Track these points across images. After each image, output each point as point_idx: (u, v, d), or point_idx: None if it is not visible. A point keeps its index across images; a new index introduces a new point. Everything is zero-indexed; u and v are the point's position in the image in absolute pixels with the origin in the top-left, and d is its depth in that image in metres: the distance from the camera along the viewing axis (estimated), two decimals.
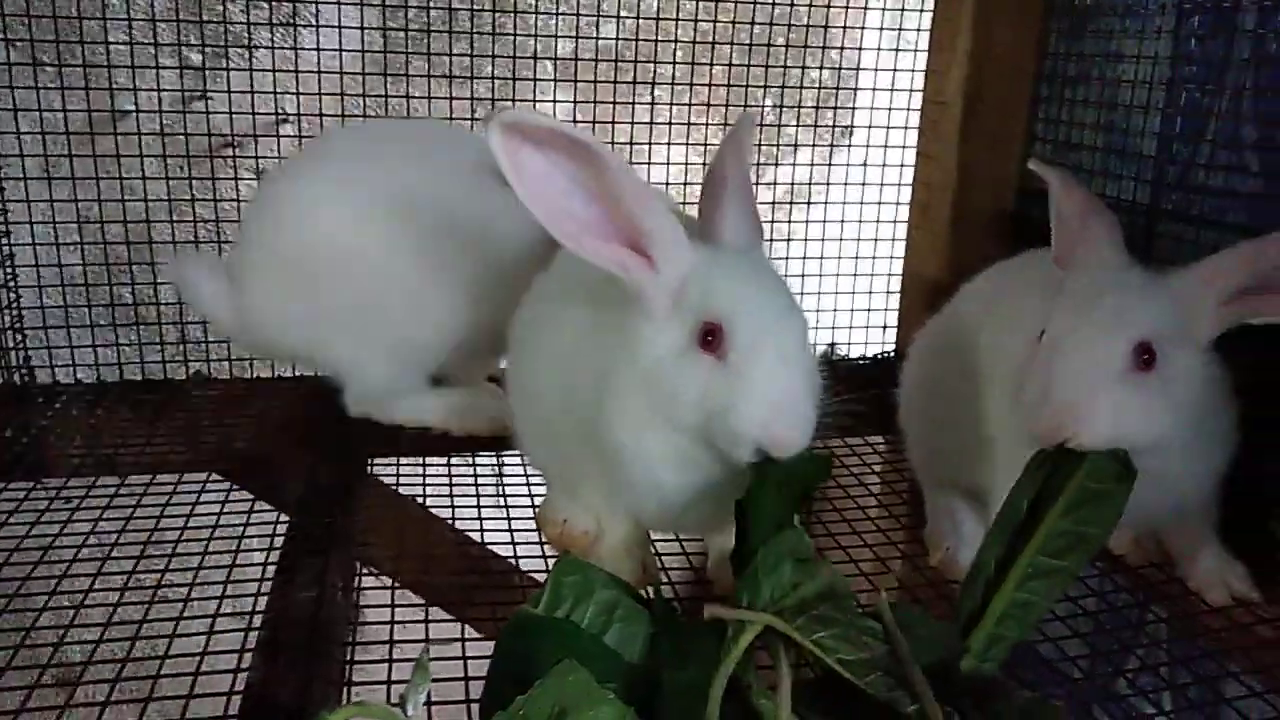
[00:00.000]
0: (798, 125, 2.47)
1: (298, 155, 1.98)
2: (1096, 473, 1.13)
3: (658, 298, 1.15)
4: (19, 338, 2.07)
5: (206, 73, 2.29)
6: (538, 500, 1.59)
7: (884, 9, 2.37)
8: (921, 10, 2.30)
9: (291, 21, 2.30)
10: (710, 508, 1.22)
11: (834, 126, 2.52)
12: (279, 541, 1.48)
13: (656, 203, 1.12)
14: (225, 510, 1.57)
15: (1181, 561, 1.44)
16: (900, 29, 2.36)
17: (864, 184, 2.43)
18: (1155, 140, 1.78)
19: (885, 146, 2.42)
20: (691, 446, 1.17)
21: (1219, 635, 1.33)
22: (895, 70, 2.37)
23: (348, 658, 1.24)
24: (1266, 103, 1.55)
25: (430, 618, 1.31)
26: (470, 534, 1.64)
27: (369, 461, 1.80)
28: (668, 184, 2.39)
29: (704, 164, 2.45)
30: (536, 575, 1.48)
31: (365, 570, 1.56)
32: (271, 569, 1.40)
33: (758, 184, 2.61)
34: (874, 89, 2.40)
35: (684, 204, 2.37)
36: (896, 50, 2.39)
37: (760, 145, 2.41)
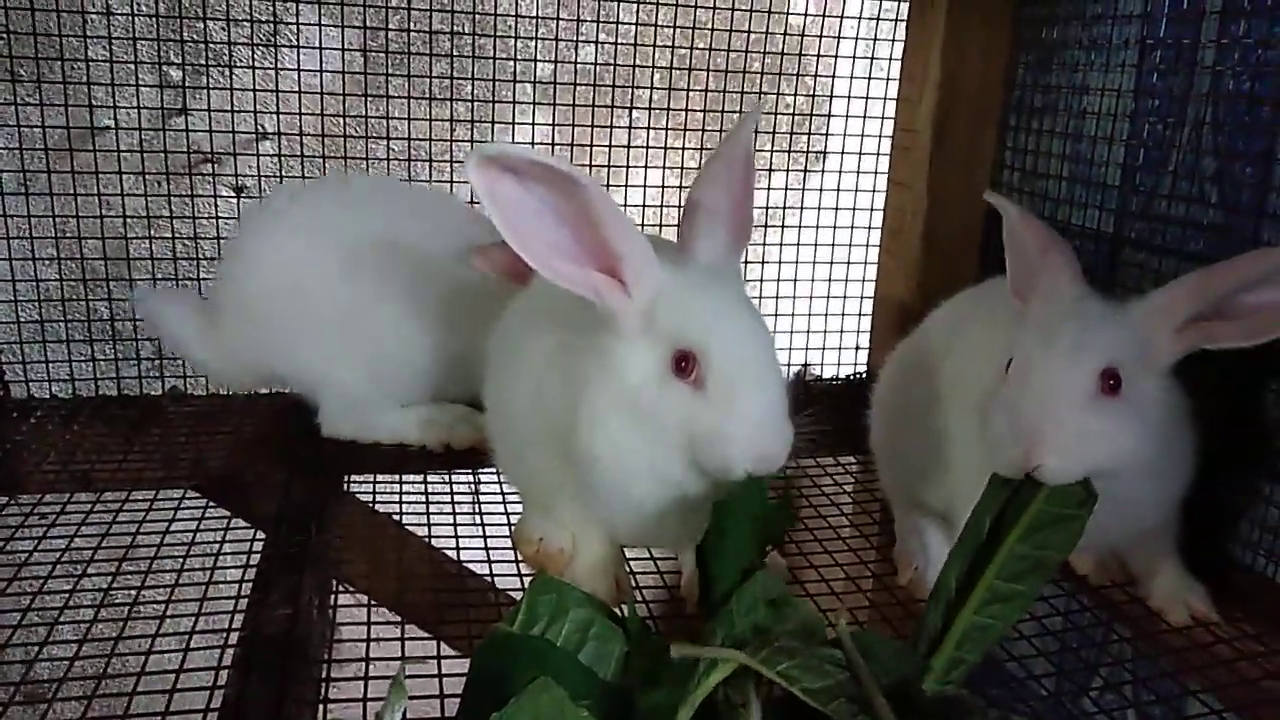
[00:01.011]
0: (772, 150, 2.51)
1: (274, 199, 2.01)
2: (1057, 497, 1.16)
3: (629, 319, 1.18)
4: None
5: (186, 89, 2.31)
6: (514, 517, 1.61)
7: (857, 38, 2.41)
8: (894, 40, 2.35)
9: (272, 41, 2.31)
10: (685, 522, 1.24)
11: (808, 151, 2.56)
12: (255, 559, 1.48)
13: (629, 226, 1.14)
14: (201, 527, 1.58)
15: (1143, 582, 1.47)
16: (873, 58, 2.40)
17: (836, 208, 2.47)
18: (1119, 170, 1.82)
19: (857, 172, 2.45)
20: (666, 462, 1.19)
21: (1180, 654, 1.36)
22: (867, 98, 2.42)
23: (323, 675, 1.25)
24: (1225, 136, 1.60)
25: (406, 635, 1.31)
26: (446, 551, 1.65)
27: (345, 478, 1.81)
28: (645, 206, 2.41)
29: (680, 186, 2.47)
30: (512, 593, 1.49)
31: (341, 588, 1.56)
32: (247, 586, 1.40)
33: None
34: (846, 116, 2.44)
35: (660, 227, 2.40)
36: (869, 78, 2.43)
37: None
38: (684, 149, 2.50)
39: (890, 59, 2.35)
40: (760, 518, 1.17)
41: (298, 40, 2.25)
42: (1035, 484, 1.17)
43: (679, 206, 2.46)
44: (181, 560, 1.46)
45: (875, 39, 2.39)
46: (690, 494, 1.21)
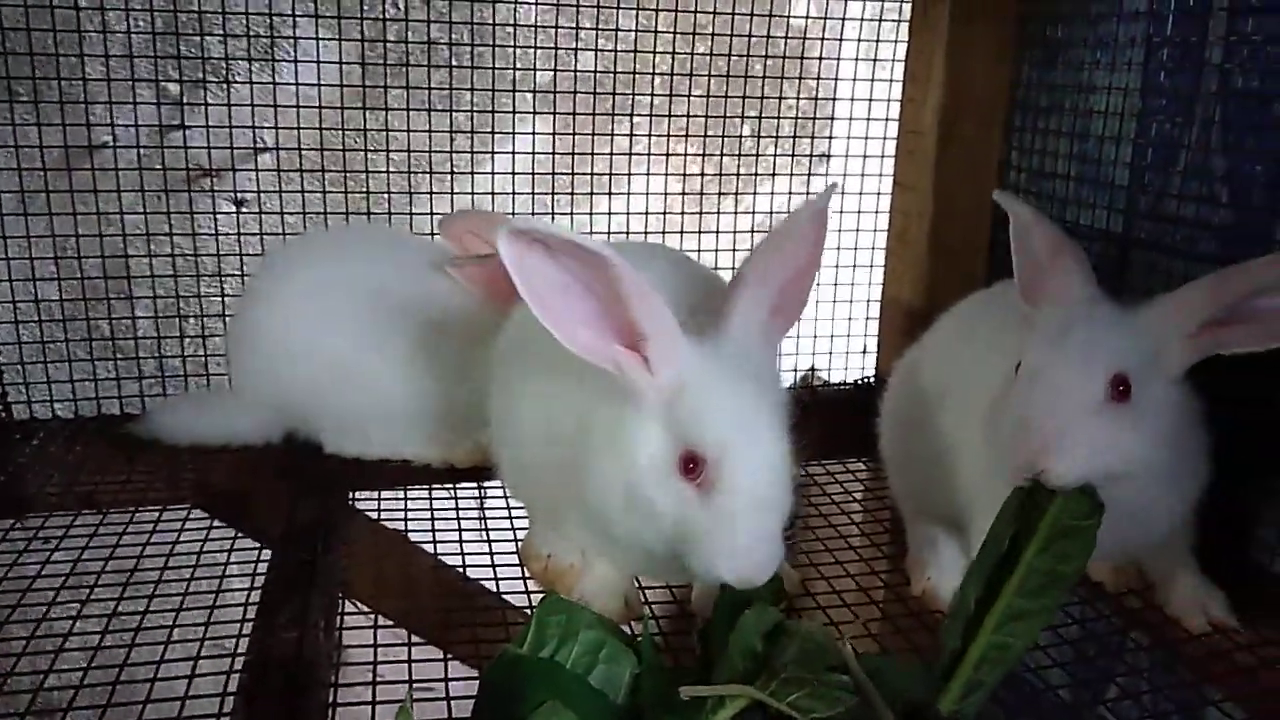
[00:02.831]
0: (775, 153, 2.49)
1: (277, 257, 2.08)
2: (1069, 508, 1.14)
3: (648, 396, 1.15)
4: None
5: (184, 105, 2.29)
6: (520, 532, 1.59)
7: (859, 39, 2.39)
8: (897, 41, 2.33)
9: (270, 54, 2.30)
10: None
11: (811, 155, 2.54)
12: (260, 577, 1.47)
13: (656, 303, 1.11)
14: (206, 546, 1.56)
15: (1160, 589, 1.45)
16: (875, 59, 2.38)
17: (841, 211, 2.45)
18: (1127, 170, 1.80)
19: (862, 175, 2.44)
20: (658, 543, 1.18)
21: (1199, 662, 1.34)
22: (871, 100, 2.40)
23: (331, 698, 1.24)
24: (1235, 135, 1.58)
25: (413, 656, 1.30)
26: (453, 566, 1.64)
27: (350, 495, 1.80)
28: (647, 214, 2.40)
29: (682, 194, 2.46)
30: (520, 607, 1.48)
31: (348, 605, 1.55)
32: (254, 604, 1.39)
33: (736, 213, 2.62)
34: (850, 118, 2.43)
35: (648, 234, 2.39)
36: (872, 80, 2.42)
37: (738, 174, 2.43)
38: (685, 155, 2.48)
39: (893, 60, 2.33)
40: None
41: (295, 53, 2.24)
42: (1048, 495, 1.15)
43: (681, 213, 2.45)
44: (188, 580, 1.45)
45: (878, 40, 2.37)
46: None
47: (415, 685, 1.19)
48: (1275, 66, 1.51)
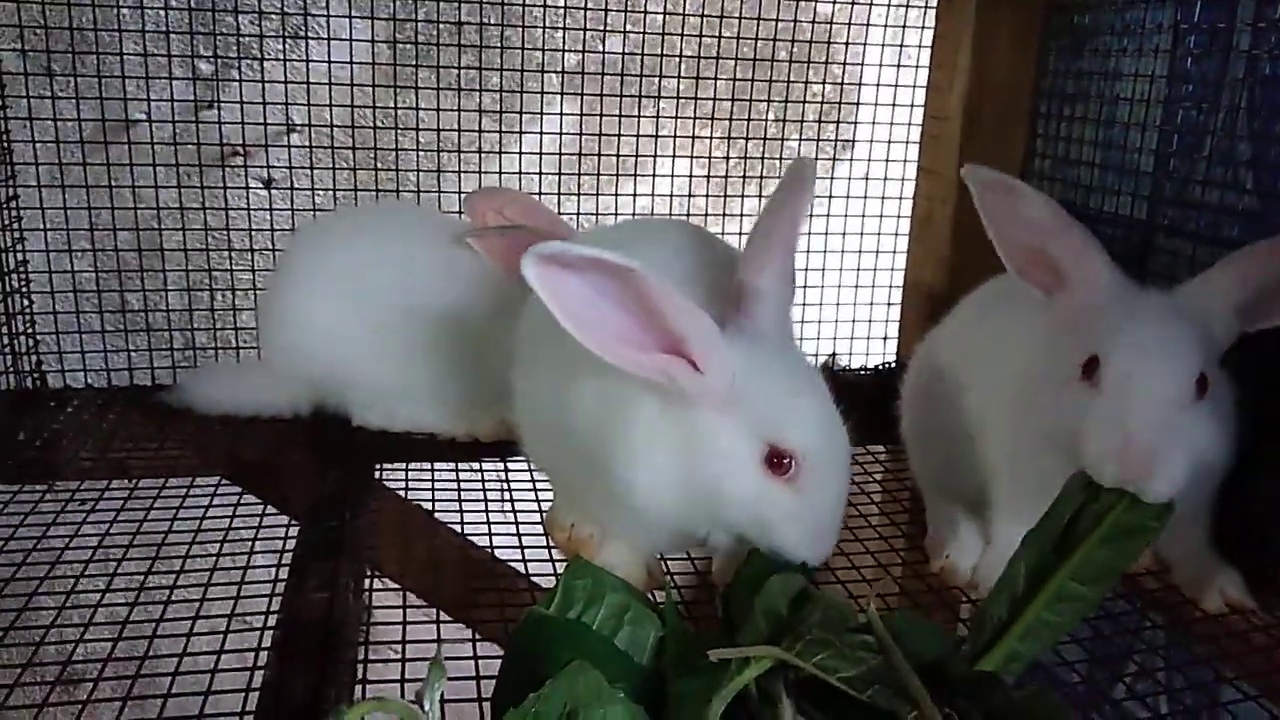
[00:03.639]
0: (800, 139, 2.50)
1: (307, 233, 2.11)
2: (1141, 509, 1.15)
3: (708, 397, 1.17)
4: (31, 343, 2.10)
5: (217, 82, 2.33)
6: (545, 505, 1.62)
7: (885, 25, 2.40)
8: (923, 27, 2.34)
9: (301, 33, 2.33)
10: (722, 541, 1.27)
11: (836, 140, 2.55)
12: (289, 546, 1.50)
13: (689, 306, 1.13)
14: (236, 516, 1.59)
15: (1176, 568, 1.46)
16: (902, 45, 2.39)
17: (865, 197, 2.46)
18: (1152, 157, 1.80)
19: (886, 160, 2.44)
20: (709, 526, 1.24)
21: (1214, 641, 1.35)
22: (896, 85, 2.41)
23: (360, 658, 1.26)
24: (1260, 121, 1.58)
25: (441, 619, 1.32)
26: (478, 539, 1.66)
27: (377, 468, 1.82)
28: (672, 196, 2.41)
29: (708, 176, 2.47)
30: (543, 580, 1.50)
31: (374, 575, 1.58)
32: (282, 573, 1.42)
33: (760, 196, 2.64)
34: (875, 104, 2.44)
35: (686, 214, 2.40)
36: (898, 66, 2.43)
37: (762, 158, 2.44)
38: (712, 137, 2.49)
39: (919, 46, 2.34)
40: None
41: (327, 31, 2.26)
42: (1122, 492, 1.16)
43: (706, 196, 2.47)
44: (218, 548, 1.48)
45: (904, 26, 2.38)
46: (708, 542, 1.28)
47: (446, 652, 1.21)
48: None
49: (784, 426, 1.18)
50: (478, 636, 1.28)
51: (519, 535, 1.55)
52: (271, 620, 1.28)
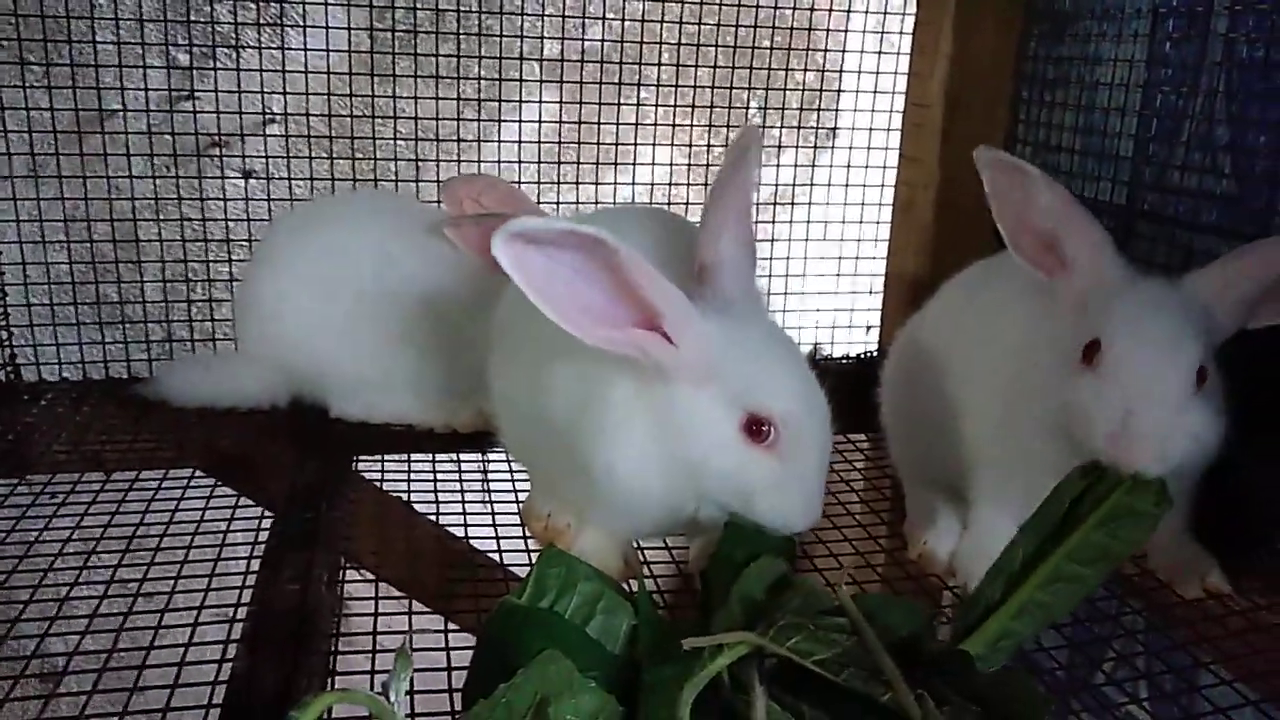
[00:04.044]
0: (782, 126, 2.49)
1: (283, 222, 2.07)
2: (1139, 493, 1.15)
3: (683, 370, 1.16)
4: (5, 335, 2.08)
5: (194, 73, 2.30)
6: (522, 495, 1.61)
7: (867, 12, 2.39)
8: (904, 14, 2.33)
9: (279, 22, 2.31)
10: (689, 524, 1.26)
11: (818, 128, 2.54)
12: (263, 537, 1.49)
13: (662, 280, 1.12)
14: (210, 507, 1.58)
15: (1155, 555, 1.46)
16: (883, 32, 2.38)
17: (848, 185, 2.45)
18: (1132, 142, 1.80)
19: (869, 148, 2.44)
20: (696, 504, 1.22)
21: (1192, 626, 1.35)
22: (878, 73, 2.40)
23: (334, 649, 1.25)
24: (1239, 105, 1.58)
25: (414, 616, 1.31)
26: (455, 530, 1.65)
27: (354, 459, 1.81)
28: (652, 185, 2.40)
29: (689, 165, 2.46)
30: (520, 571, 1.49)
31: (349, 566, 1.57)
32: (256, 564, 1.40)
33: None
34: (857, 91, 2.43)
35: (668, 203, 2.39)
36: (879, 53, 2.41)
37: None
38: (692, 125, 2.48)
39: (901, 33, 2.33)
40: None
41: (304, 20, 2.24)
42: (1119, 475, 1.16)
43: (688, 185, 2.46)
44: (190, 539, 1.46)
45: (885, 12, 2.37)
46: (697, 519, 1.25)
47: (417, 643, 1.20)
48: (1279, 35, 1.51)
49: (761, 394, 1.17)
50: (451, 627, 1.27)
51: (495, 525, 1.54)
52: (243, 612, 1.27)
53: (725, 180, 1.25)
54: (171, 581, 1.34)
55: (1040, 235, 1.34)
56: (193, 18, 2.20)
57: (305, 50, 2.20)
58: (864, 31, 2.46)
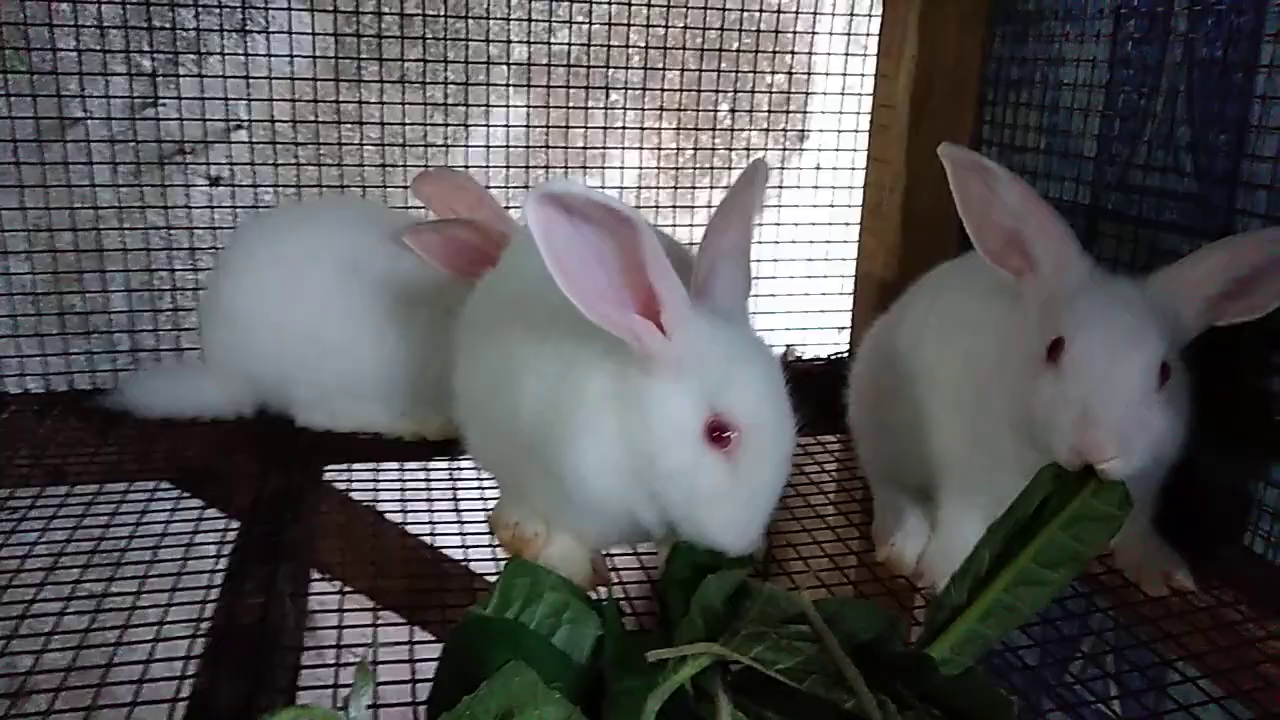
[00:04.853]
0: (750, 129, 2.49)
1: (247, 229, 2.06)
2: (1102, 496, 1.15)
3: (665, 363, 1.16)
4: None
5: (159, 79, 2.28)
6: (491, 503, 1.60)
7: (834, 14, 2.39)
8: (871, 15, 2.33)
9: (242, 27, 2.29)
10: (660, 528, 1.25)
11: (786, 130, 2.54)
12: (228, 549, 1.47)
13: (671, 271, 1.12)
14: (174, 519, 1.56)
15: (1121, 554, 1.47)
16: (850, 34, 2.39)
17: (817, 187, 2.46)
18: (1095, 142, 1.81)
19: (837, 150, 2.44)
20: (651, 509, 1.21)
21: (1157, 624, 1.35)
22: (845, 75, 2.40)
23: (300, 663, 1.24)
24: (1199, 105, 1.59)
25: (379, 621, 1.30)
26: (424, 540, 1.64)
27: (321, 469, 1.80)
28: (622, 187, 2.40)
29: (658, 168, 2.46)
30: (490, 581, 1.48)
31: (316, 576, 1.55)
32: (219, 577, 1.39)
33: (713, 187, 2.62)
34: (824, 93, 2.43)
35: (639, 208, 2.38)
36: (846, 55, 2.42)
37: (715, 149, 2.43)
38: (662, 129, 2.48)
39: (868, 35, 2.33)
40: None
41: (267, 25, 2.22)
42: (1083, 477, 1.16)
43: (657, 188, 2.45)
44: (154, 551, 1.45)
45: (852, 14, 2.37)
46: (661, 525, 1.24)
47: (383, 656, 1.20)
48: (1237, 35, 1.52)
49: (730, 396, 1.16)
50: (418, 638, 1.25)
51: (462, 535, 1.53)
52: (205, 627, 1.25)
53: (731, 204, 1.25)
54: (133, 597, 1.32)
55: (1005, 233, 1.35)
56: (156, 24, 2.17)
57: (269, 56, 2.18)
58: (830, 33, 2.46)
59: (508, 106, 2.35)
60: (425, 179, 1.99)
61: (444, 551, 1.58)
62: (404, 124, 2.25)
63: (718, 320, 1.20)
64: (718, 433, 1.15)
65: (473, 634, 1.09)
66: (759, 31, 2.36)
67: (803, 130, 2.64)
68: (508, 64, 2.39)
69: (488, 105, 2.30)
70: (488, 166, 2.32)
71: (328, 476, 1.79)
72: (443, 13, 2.21)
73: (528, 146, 2.32)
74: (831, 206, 2.48)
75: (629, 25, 2.31)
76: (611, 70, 2.36)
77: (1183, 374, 1.28)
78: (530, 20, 2.30)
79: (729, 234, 1.24)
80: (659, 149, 2.53)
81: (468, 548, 1.50)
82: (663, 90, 2.36)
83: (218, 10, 2.26)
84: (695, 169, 2.47)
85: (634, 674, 1.05)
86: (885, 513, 1.61)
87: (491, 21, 2.27)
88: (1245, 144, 1.51)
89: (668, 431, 1.16)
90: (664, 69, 2.34)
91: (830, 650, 0.99)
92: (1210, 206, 1.56)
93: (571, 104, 2.32)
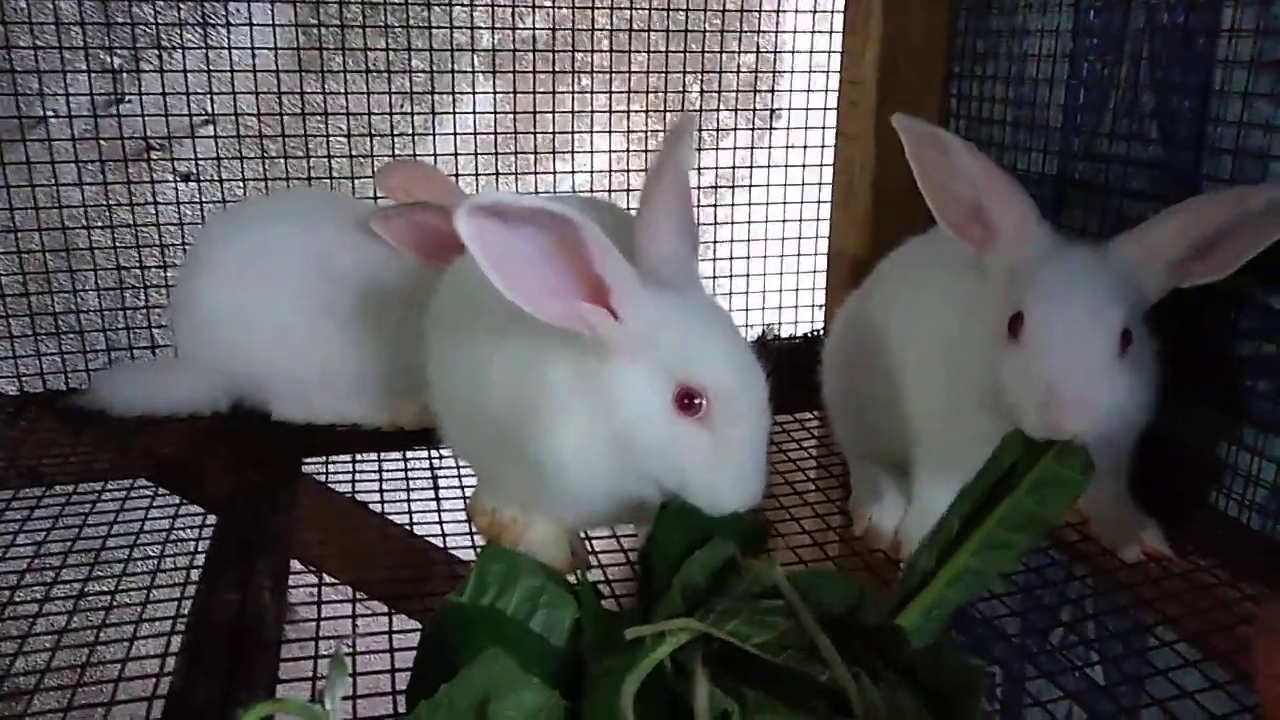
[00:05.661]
0: (719, 109, 2.49)
1: (216, 223, 2.05)
2: (1064, 460, 1.15)
3: (622, 345, 1.16)
4: None
5: (123, 76, 2.25)
6: (470, 491, 1.59)
7: None
8: None
9: (203, 21, 2.26)
10: (638, 510, 1.25)
11: (754, 109, 2.54)
12: (205, 545, 1.47)
13: (617, 255, 1.11)
14: (150, 515, 1.55)
15: (1095, 521, 1.48)
16: (816, 10, 2.38)
17: (787, 165, 2.46)
18: (1061, 112, 1.81)
19: (806, 128, 2.44)
20: (639, 485, 1.21)
21: (1133, 590, 1.36)
22: (812, 52, 2.40)
23: (280, 656, 1.24)
24: (1162, 70, 1.59)
25: (358, 612, 1.30)
26: (404, 528, 1.64)
27: (300, 461, 1.79)
28: (593, 172, 2.39)
29: (628, 150, 2.45)
30: (470, 564, 1.48)
31: (295, 569, 1.55)
32: (198, 572, 1.38)
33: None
34: (792, 71, 2.43)
35: (609, 192, 2.38)
36: (813, 32, 2.41)
37: None
38: (628, 112, 2.46)
39: (833, 11, 2.33)
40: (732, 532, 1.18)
41: (228, 18, 2.20)
42: (1046, 443, 1.16)
43: (627, 171, 2.45)
44: (130, 548, 1.44)
45: None
46: (644, 501, 1.23)
47: (364, 646, 1.19)
48: (1198, 1, 1.52)
49: (692, 364, 1.16)
50: (398, 627, 1.25)
51: (441, 523, 1.53)
52: (183, 624, 1.25)
53: (661, 165, 1.24)
54: (110, 593, 1.31)
55: (965, 205, 1.35)
56: (110, 18, 2.14)
57: (229, 49, 2.16)
58: (796, 11, 2.45)
59: (476, 94, 2.33)
60: (390, 170, 1.98)
61: (424, 540, 1.58)
62: (371, 114, 2.23)
63: (668, 291, 1.19)
64: (686, 400, 1.15)
65: (450, 622, 1.08)
66: (724, 11, 2.35)
67: (773, 109, 2.63)
68: (474, 51, 2.37)
69: (456, 93, 2.29)
70: (457, 154, 2.30)
71: (306, 469, 1.79)
72: (408, 0, 2.19)
73: (498, 133, 2.31)
74: (804, 185, 2.48)
75: (594, 8, 2.30)
76: (580, 54, 2.34)
77: (1147, 339, 1.29)
78: (496, 6, 2.28)
79: (665, 196, 1.23)
80: (628, 132, 2.52)
81: (447, 536, 1.50)
82: (631, 73, 2.35)
83: (176, 4, 2.24)
84: None
85: (612, 655, 1.05)
86: (862, 487, 1.62)
87: (458, 8, 2.25)
88: (1209, 109, 1.52)
89: (637, 412, 1.16)
90: (631, 51, 2.33)
91: (804, 623, 0.99)
92: (1176, 172, 1.57)
93: (541, 89, 2.31)
